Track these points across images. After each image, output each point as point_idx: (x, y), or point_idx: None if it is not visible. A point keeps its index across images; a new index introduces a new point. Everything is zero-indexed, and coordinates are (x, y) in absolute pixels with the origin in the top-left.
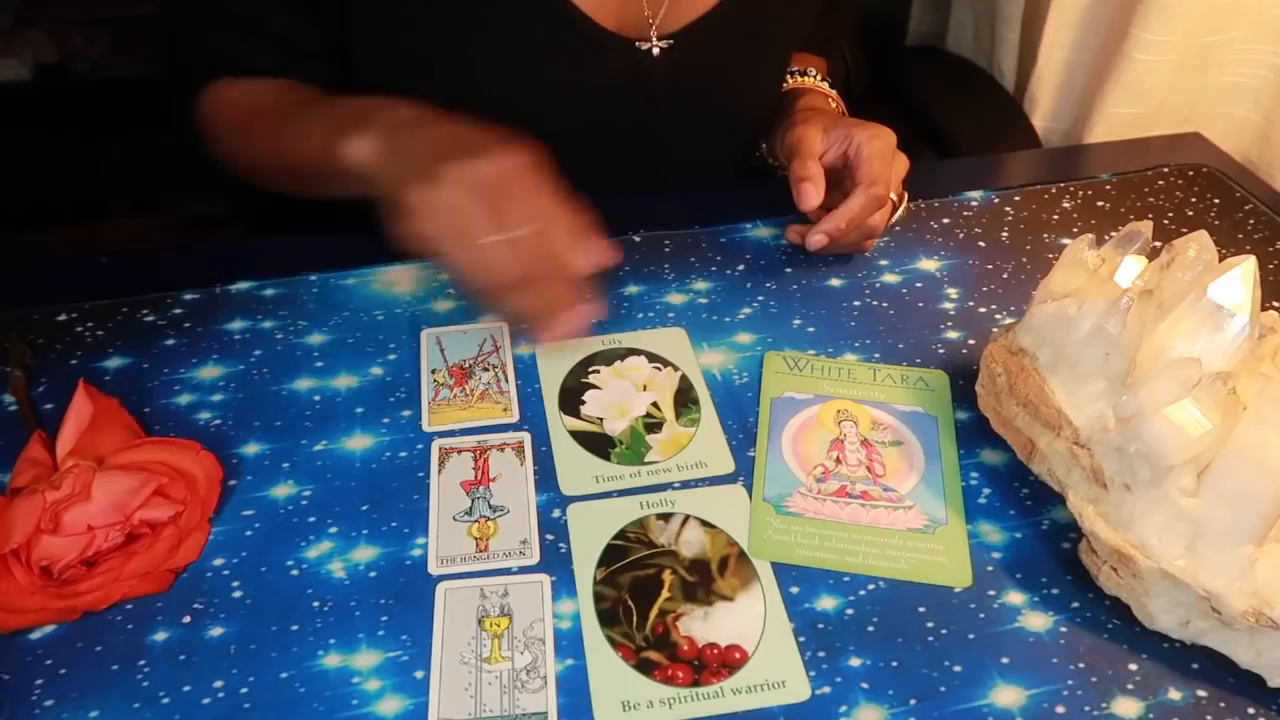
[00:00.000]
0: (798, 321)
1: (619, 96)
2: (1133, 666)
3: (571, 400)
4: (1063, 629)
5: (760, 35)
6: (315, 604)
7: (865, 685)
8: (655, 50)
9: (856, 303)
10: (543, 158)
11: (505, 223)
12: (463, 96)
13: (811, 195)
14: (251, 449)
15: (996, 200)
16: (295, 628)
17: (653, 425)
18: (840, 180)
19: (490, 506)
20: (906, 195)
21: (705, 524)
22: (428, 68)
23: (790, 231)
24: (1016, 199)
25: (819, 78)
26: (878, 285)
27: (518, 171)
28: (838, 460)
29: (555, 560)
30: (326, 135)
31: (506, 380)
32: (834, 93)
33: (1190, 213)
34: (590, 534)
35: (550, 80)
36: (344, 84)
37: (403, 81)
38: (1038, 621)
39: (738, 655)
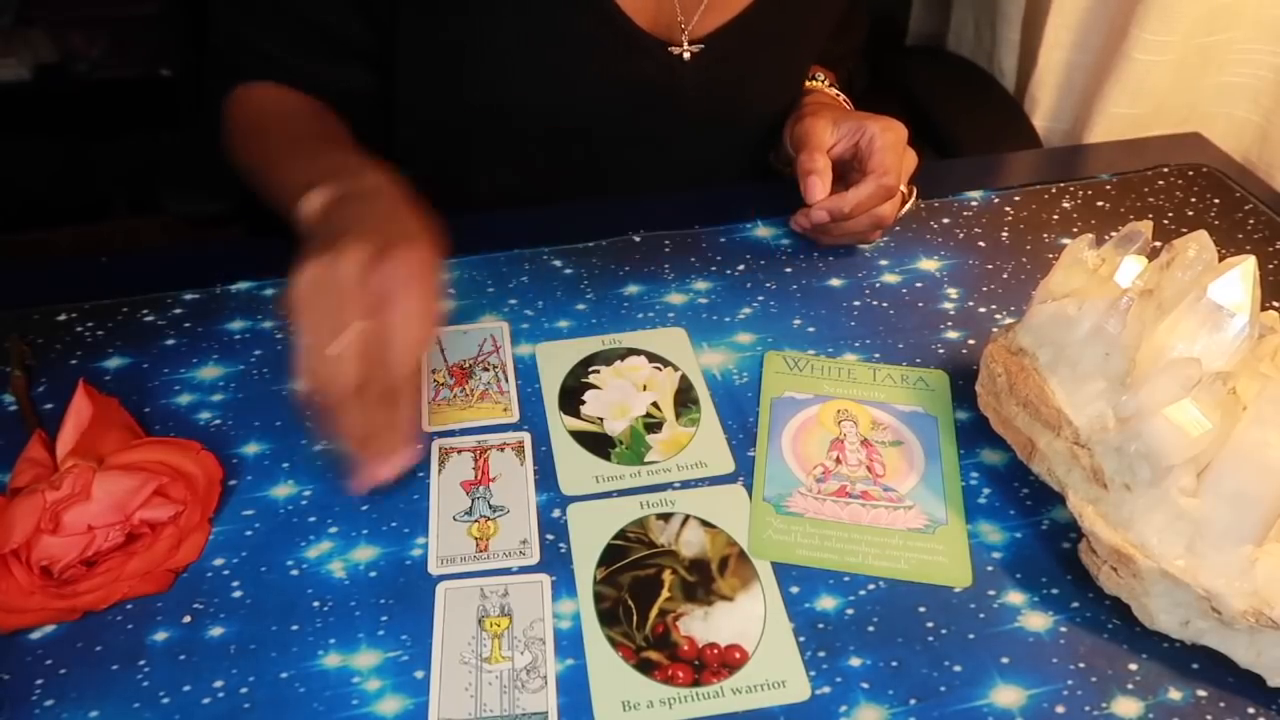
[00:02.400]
0: (798, 321)
1: (648, 97)
2: (1133, 666)
3: (571, 400)
4: (1063, 629)
5: (786, 42)
6: (315, 604)
7: (865, 685)
8: (686, 54)
9: (856, 303)
10: (437, 261)
11: (348, 319)
12: (496, 88)
13: (818, 188)
14: (251, 449)
15: (996, 200)
16: (295, 628)
17: (653, 425)
18: (848, 173)
19: (490, 506)
20: (915, 190)
21: (705, 524)
22: (466, 60)
23: (798, 216)
24: (1016, 199)
25: (827, 84)
26: (878, 285)
27: (404, 270)
28: (838, 460)
29: (555, 560)
30: (299, 179)
31: (506, 380)
32: (842, 96)
33: (1190, 213)
34: (590, 534)
35: (584, 76)
36: (384, 87)
37: (440, 76)
38: (1038, 621)
39: (738, 655)
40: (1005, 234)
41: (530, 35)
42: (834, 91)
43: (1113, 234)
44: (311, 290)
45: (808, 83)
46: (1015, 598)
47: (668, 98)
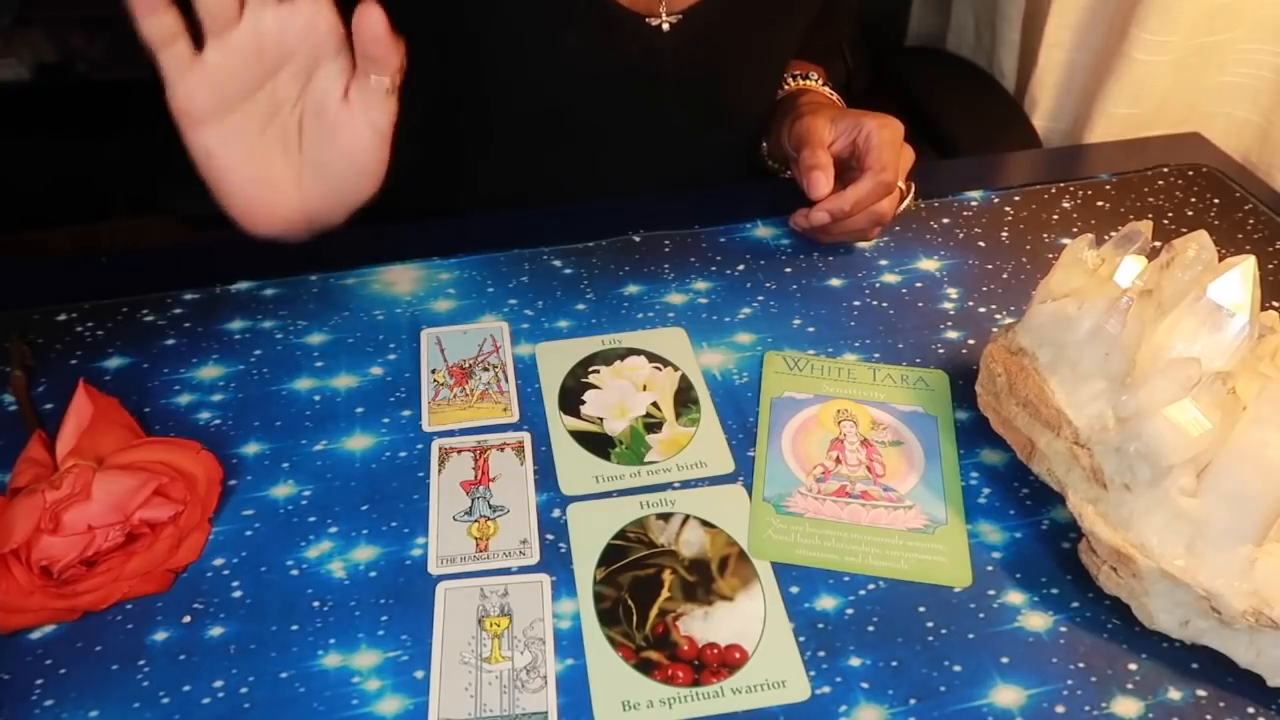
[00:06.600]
0: (798, 321)
1: (629, 74)
2: (1132, 666)
3: (571, 400)
4: (1062, 629)
5: (765, 22)
6: (315, 604)
7: (865, 685)
8: (665, 25)
9: (856, 303)
10: None
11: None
12: (479, 71)
13: (822, 183)
14: (251, 449)
15: (996, 200)
16: (295, 628)
17: (653, 425)
18: (846, 171)
19: (490, 506)
20: (913, 186)
21: (705, 524)
22: (447, 44)
23: (796, 215)
24: (1016, 199)
25: (820, 82)
26: (878, 285)
27: None
28: (838, 460)
29: (555, 560)
30: None
31: (506, 380)
32: (835, 95)
33: (1190, 213)
34: (590, 534)
35: (564, 54)
36: None
37: (421, 60)
38: (1037, 621)
39: (738, 655)
40: (1005, 234)
41: (506, 13)
42: (828, 90)
43: (1113, 234)
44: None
45: (802, 82)
46: (1015, 598)
47: (648, 75)
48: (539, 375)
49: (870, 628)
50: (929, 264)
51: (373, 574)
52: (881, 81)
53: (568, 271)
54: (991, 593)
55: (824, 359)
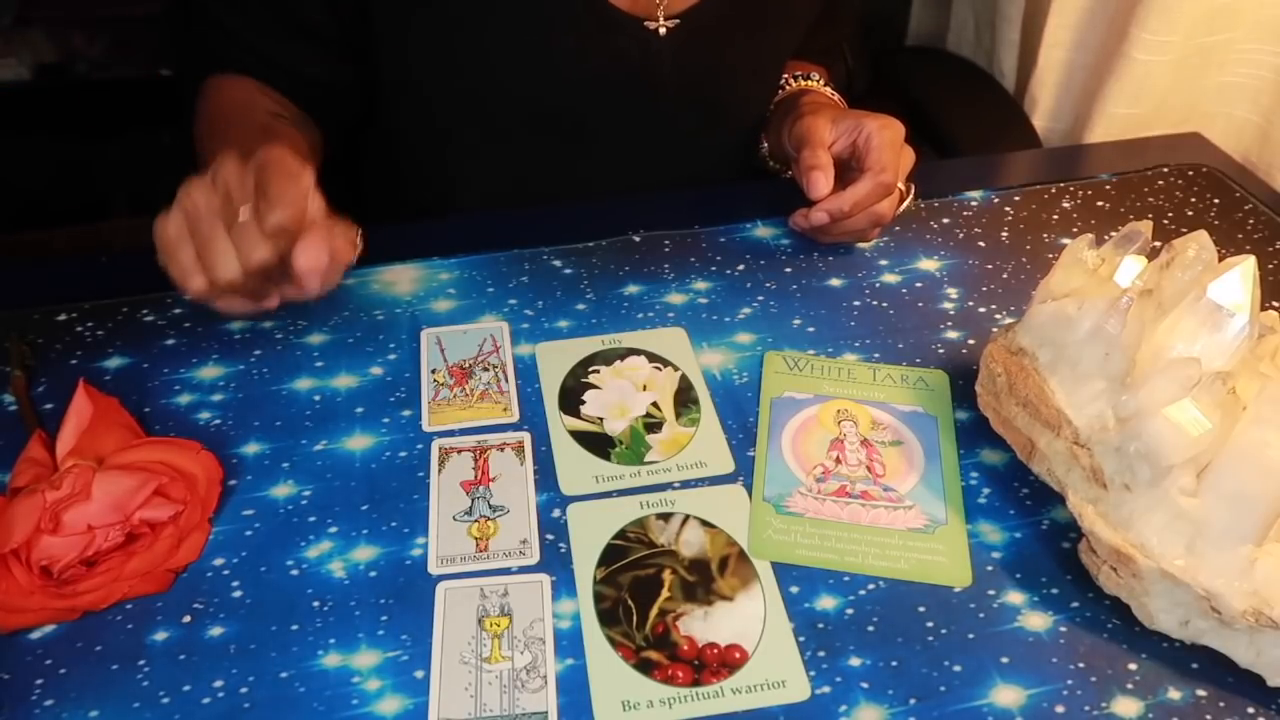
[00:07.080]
0: (798, 321)
1: (627, 78)
2: (1132, 666)
3: (571, 400)
4: (1062, 629)
5: (763, 23)
6: (315, 604)
7: (865, 685)
8: (662, 29)
9: (856, 303)
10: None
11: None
12: (478, 74)
13: (822, 183)
14: (251, 449)
15: (996, 200)
16: (295, 627)
17: (653, 425)
18: (846, 172)
19: (490, 506)
20: (914, 188)
21: (705, 524)
22: (445, 47)
23: (796, 216)
24: (1016, 199)
25: (821, 83)
26: (878, 285)
27: (271, 157)
28: (838, 460)
29: (555, 560)
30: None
31: (506, 380)
32: (837, 95)
33: (1190, 213)
34: (590, 534)
35: (561, 57)
36: (360, 79)
37: (419, 65)
38: (1037, 621)
39: (738, 655)
40: (1005, 234)
41: (504, 16)
42: (829, 91)
43: (1113, 234)
44: (198, 198)
45: (803, 82)
46: (1015, 598)
47: (646, 79)
48: (539, 375)
49: (870, 628)
50: (929, 264)
51: (373, 574)
52: (881, 81)
53: (568, 271)
54: (991, 593)
55: (824, 359)
